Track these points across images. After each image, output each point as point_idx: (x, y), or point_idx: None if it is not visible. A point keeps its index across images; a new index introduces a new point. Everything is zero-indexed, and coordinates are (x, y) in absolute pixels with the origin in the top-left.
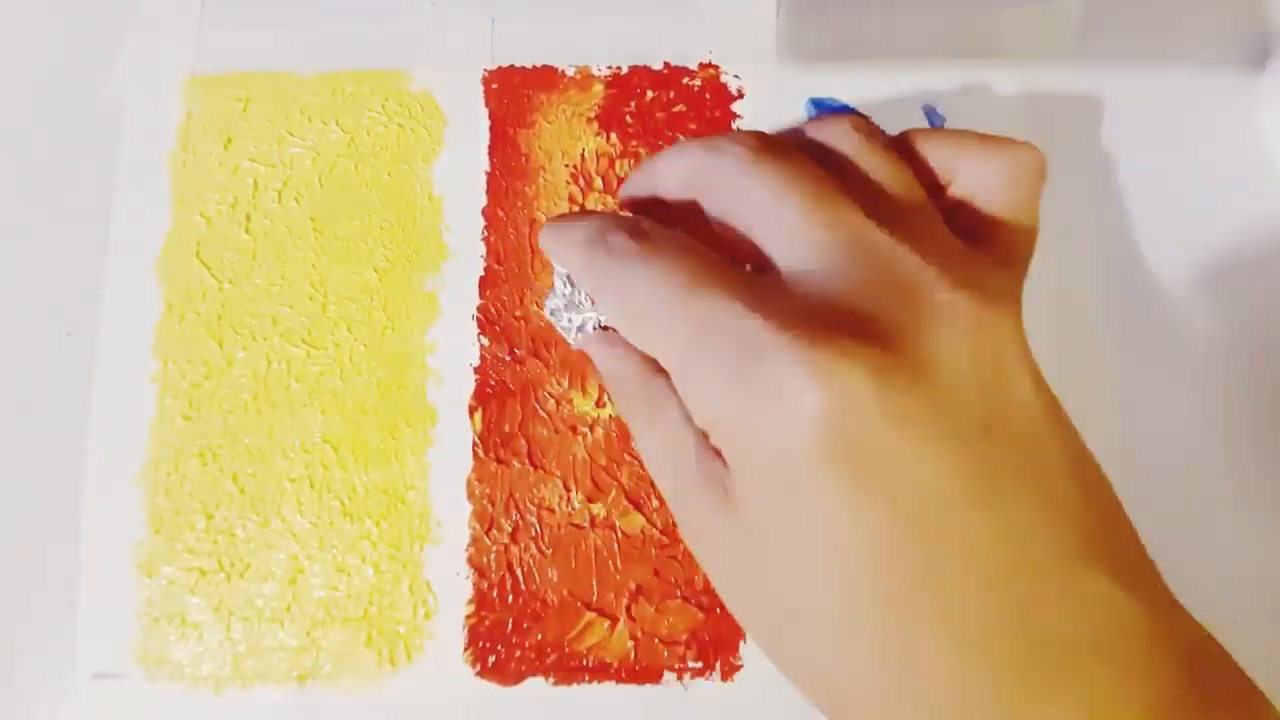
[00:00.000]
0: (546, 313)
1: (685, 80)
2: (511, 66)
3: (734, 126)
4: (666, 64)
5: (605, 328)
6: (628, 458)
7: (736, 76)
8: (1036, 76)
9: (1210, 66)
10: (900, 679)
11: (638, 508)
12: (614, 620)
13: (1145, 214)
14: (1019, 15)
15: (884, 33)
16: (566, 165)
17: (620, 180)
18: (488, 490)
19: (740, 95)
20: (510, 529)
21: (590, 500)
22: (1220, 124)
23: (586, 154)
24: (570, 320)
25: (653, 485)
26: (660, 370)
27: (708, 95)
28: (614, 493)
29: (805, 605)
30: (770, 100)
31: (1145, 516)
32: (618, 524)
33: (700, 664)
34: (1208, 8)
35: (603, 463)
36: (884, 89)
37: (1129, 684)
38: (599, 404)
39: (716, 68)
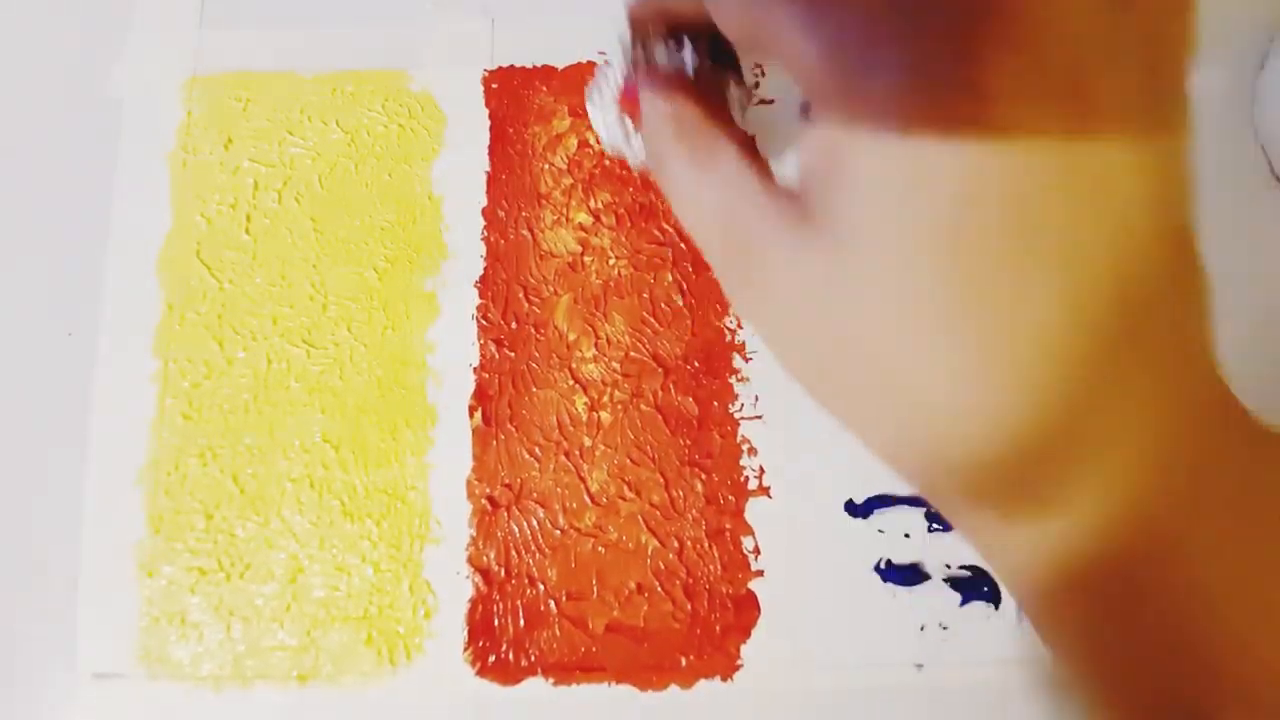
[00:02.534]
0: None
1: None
2: (511, 66)
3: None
4: None
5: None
6: (628, 458)
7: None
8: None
9: (1209, 66)
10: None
11: (638, 508)
12: (614, 620)
13: None
14: None
15: None
16: (567, 165)
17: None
18: (488, 490)
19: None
20: (510, 529)
21: (591, 500)
22: (1220, 124)
23: (587, 153)
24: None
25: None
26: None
27: None
28: (614, 493)
29: (904, 322)
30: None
31: None
32: (618, 524)
33: (700, 663)
34: (1207, 7)
35: (603, 463)
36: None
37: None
38: (599, 405)
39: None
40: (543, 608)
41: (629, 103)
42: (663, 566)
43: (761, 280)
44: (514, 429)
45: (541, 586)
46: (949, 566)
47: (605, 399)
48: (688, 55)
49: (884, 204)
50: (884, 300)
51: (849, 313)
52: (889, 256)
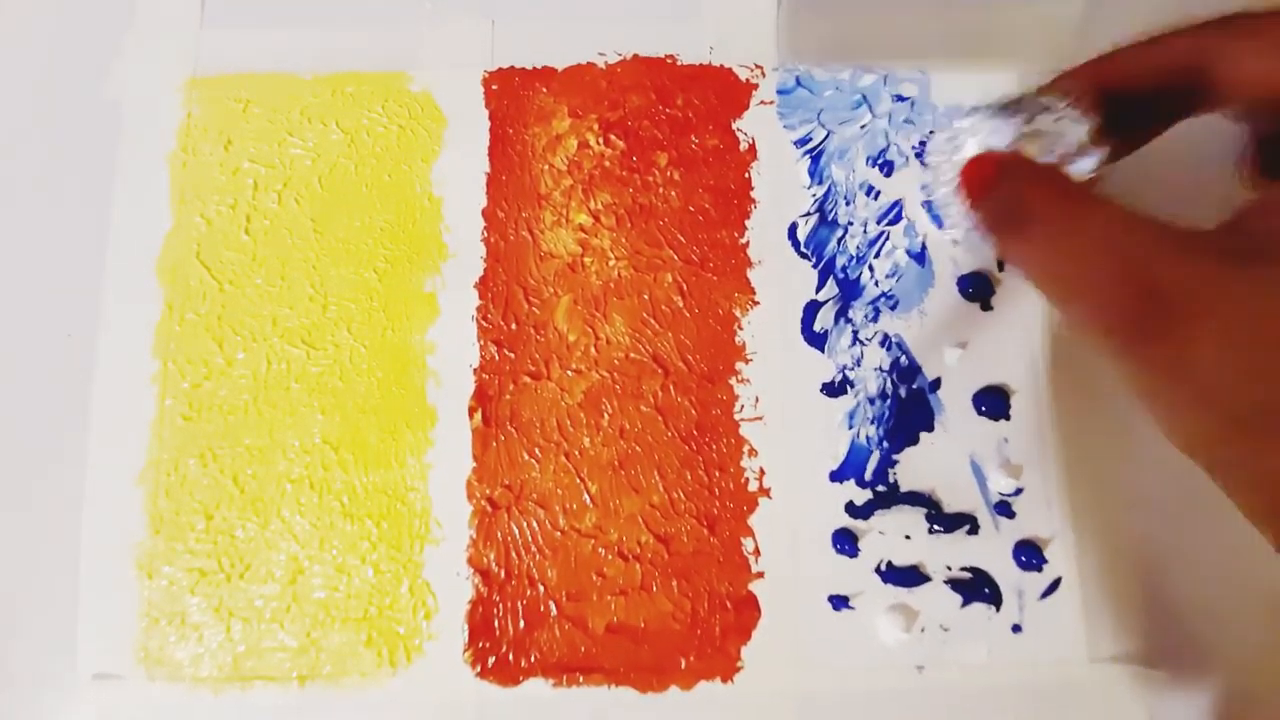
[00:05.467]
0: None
1: (686, 80)
2: (511, 67)
3: (734, 127)
4: (667, 63)
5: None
6: (628, 458)
7: (737, 75)
8: (1036, 76)
9: None
10: None
11: (638, 508)
12: (614, 621)
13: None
14: (1019, 15)
15: (883, 32)
16: (567, 166)
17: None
18: (488, 490)
19: (741, 95)
20: (510, 529)
21: (591, 501)
22: (1219, 123)
23: (587, 154)
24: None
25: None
26: None
27: (710, 95)
28: (614, 494)
29: None
30: (772, 102)
31: (1146, 516)
32: (618, 525)
33: (700, 664)
34: (1206, 7)
35: (603, 464)
36: (883, 89)
37: None
38: (599, 406)
39: (717, 67)
40: (543, 609)
41: (976, 176)
42: (663, 567)
43: (1186, 323)
44: (514, 430)
45: (542, 587)
46: (949, 568)
47: (605, 400)
48: (1074, 124)
49: None
50: None
51: None
52: None
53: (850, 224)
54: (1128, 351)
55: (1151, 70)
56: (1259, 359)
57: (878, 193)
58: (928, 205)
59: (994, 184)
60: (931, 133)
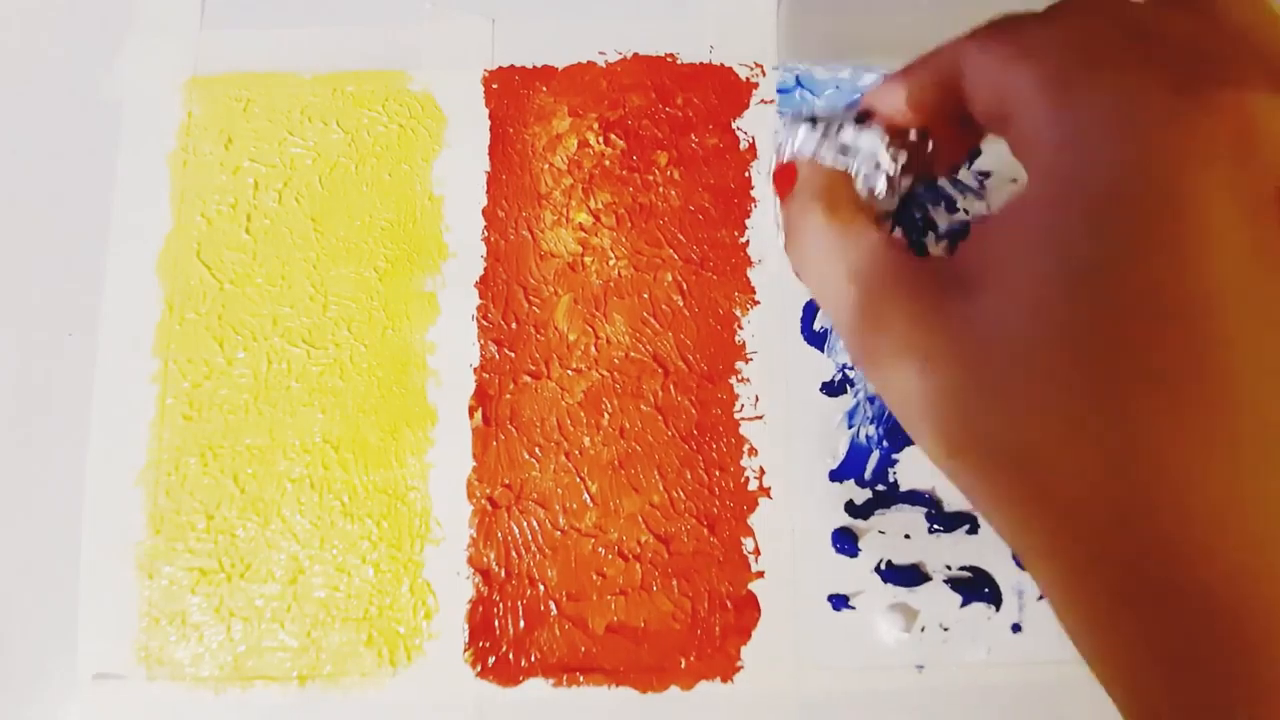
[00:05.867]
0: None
1: (686, 79)
2: (511, 66)
3: (734, 126)
4: (667, 62)
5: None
6: (628, 458)
7: (737, 74)
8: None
9: None
10: None
11: (638, 508)
12: (614, 621)
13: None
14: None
15: (883, 32)
16: (567, 165)
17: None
18: (488, 490)
19: (741, 94)
20: (510, 529)
21: (591, 501)
22: None
23: (587, 153)
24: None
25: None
26: None
27: (710, 94)
28: (614, 493)
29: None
30: (773, 101)
31: None
32: (618, 524)
33: (700, 664)
34: None
35: (603, 463)
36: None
37: None
38: (599, 406)
39: (718, 66)
40: (543, 608)
41: (783, 178)
42: (663, 567)
43: (896, 329)
44: (514, 429)
45: (542, 587)
46: (949, 568)
47: (605, 399)
48: (871, 139)
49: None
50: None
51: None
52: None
53: None
54: (857, 360)
55: (926, 92)
56: (943, 392)
57: None
58: None
59: (791, 188)
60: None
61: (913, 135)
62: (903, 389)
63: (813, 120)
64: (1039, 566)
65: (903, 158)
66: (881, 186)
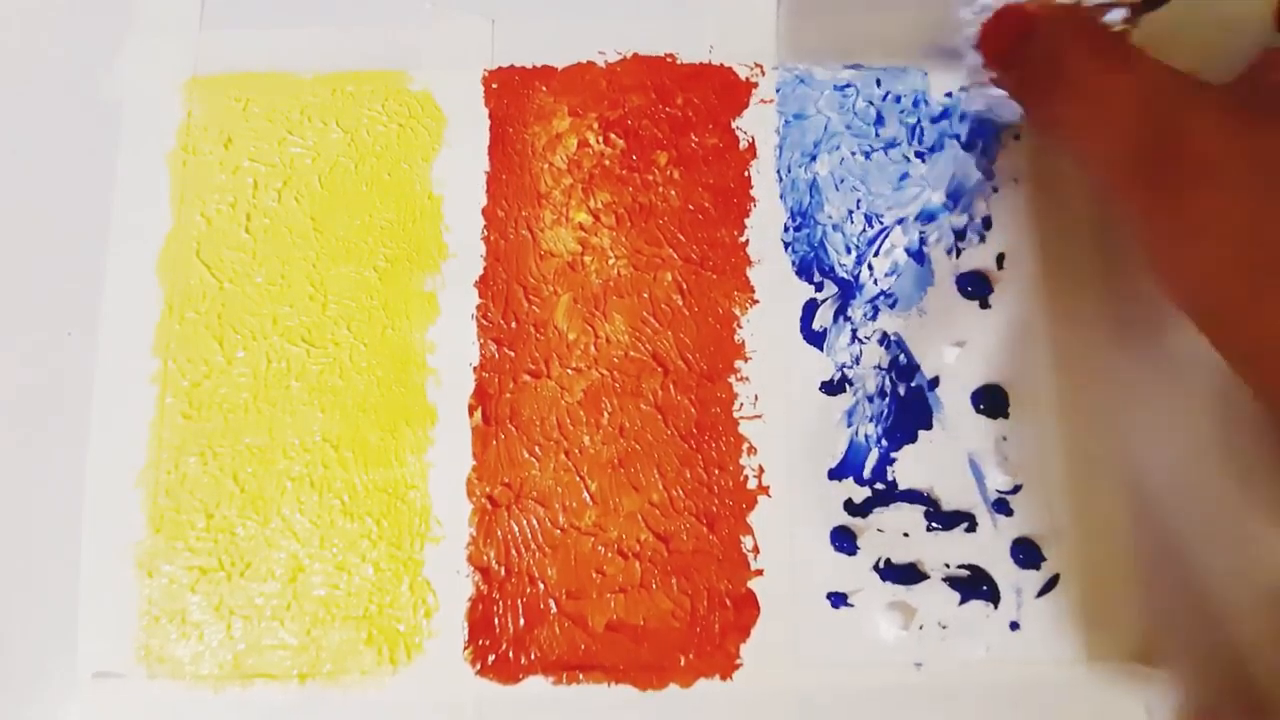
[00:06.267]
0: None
1: (685, 78)
2: (511, 66)
3: (734, 126)
4: (667, 62)
5: None
6: (627, 456)
7: (737, 74)
8: None
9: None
10: None
11: (637, 506)
12: (614, 619)
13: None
14: None
15: (883, 32)
16: (566, 165)
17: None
18: (488, 489)
19: (741, 93)
20: (510, 528)
21: (591, 499)
22: None
23: (587, 152)
24: None
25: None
26: None
27: (710, 93)
28: (614, 492)
29: None
30: (772, 100)
31: (1145, 514)
32: (618, 523)
33: (700, 662)
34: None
35: (603, 462)
36: (883, 88)
37: None
38: (598, 405)
39: (718, 66)
40: (542, 606)
41: (1009, 22)
42: (662, 565)
43: (1198, 168)
44: (514, 428)
45: (541, 585)
46: (948, 566)
47: (605, 398)
48: None
49: None
50: None
51: None
52: None
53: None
54: (1139, 194)
55: None
56: (1263, 206)
57: None
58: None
59: (1025, 40)
60: (920, 155)
61: None
62: (1205, 211)
63: None
64: None
65: None
66: (1118, 15)
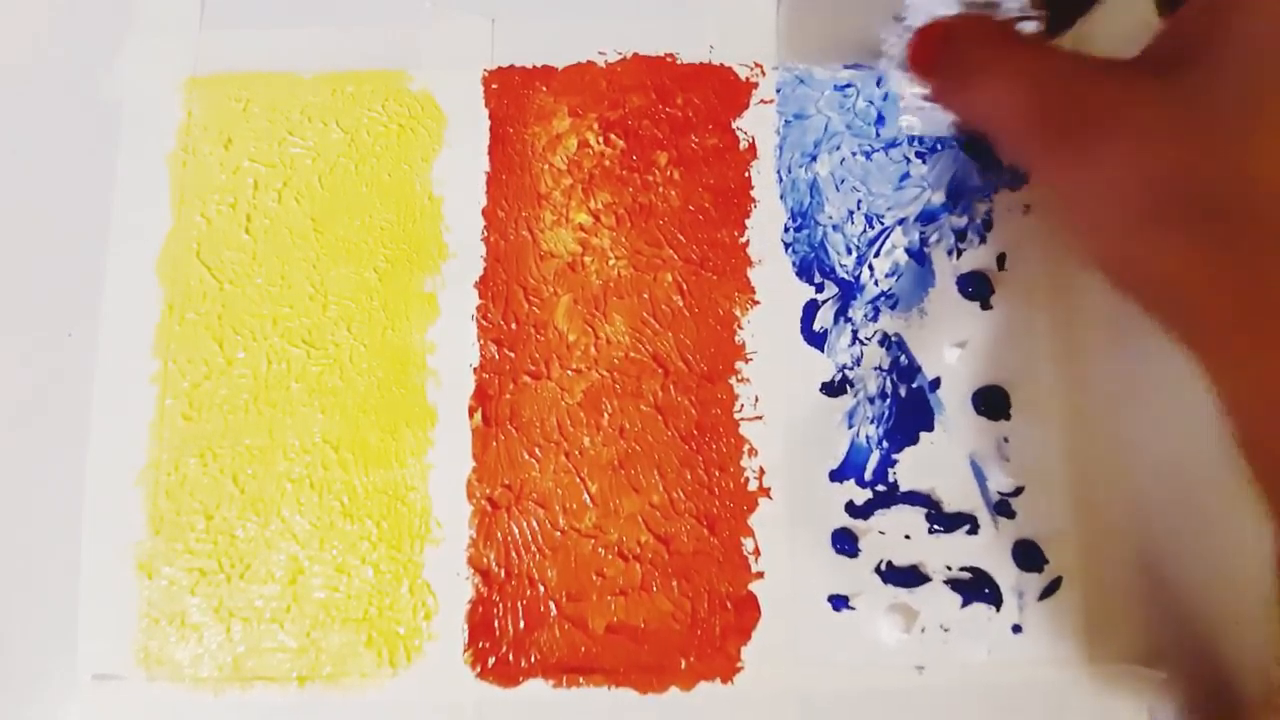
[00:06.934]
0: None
1: (686, 78)
2: (511, 66)
3: (734, 126)
4: (667, 62)
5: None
6: (627, 458)
7: (737, 74)
8: None
9: None
10: None
11: (638, 508)
12: (614, 621)
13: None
14: None
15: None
16: (567, 165)
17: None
18: (488, 490)
19: (741, 93)
20: (510, 529)
21: (591, 501)
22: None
23: (587, 153)
24: None
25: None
26: None
27: (710, 93)
28: (614, 493)
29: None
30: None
31: (1146, 516)
32: (618, 525)
33: (700, 664)
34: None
35: (603, 464)
36: (883, 88)
37: None
38: (598, 406)
39: (718, 66)
40: (543, 609)
41: (929, 37)
42: (662, 567)
43: (1101, 124)
44: (514, 429)
45: (542, 587)
46: (949, 568)
47: (605, 400)
48: None
49: None
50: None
51: (1232, 137)
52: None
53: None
54: (1050, 157)
55: None
56: (1166, 154)
57: None
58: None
59: (943, 46)
60: (921, 155)
61: None
62: (1116, 166)
63: None
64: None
65: (1050, 9)
66: (1031, 29)
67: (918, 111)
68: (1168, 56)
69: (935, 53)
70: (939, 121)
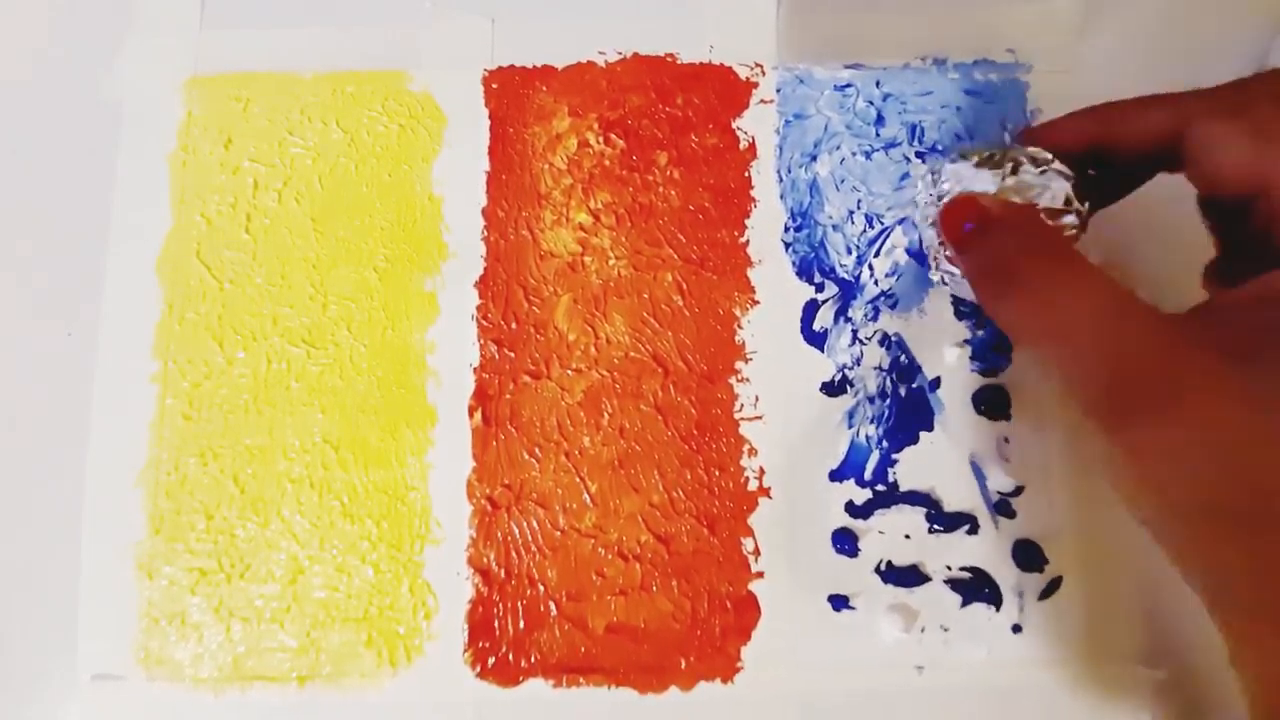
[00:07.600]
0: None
1: (686, 78)
2: (511, 66)
3: (734, 126)
4: (667, 62)
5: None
6: (627, 458)
7: (737, 74)
8: (1037, 76)
9: (1210, 65)
10: None
11: (637, 508)
12: (614, 621)
13: (1146, 210)
14: (1019, 13)
15: (883, 32)
16: (567, 165)
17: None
18: (488, 490)
19: (741, 93)
20: (510, 529)
21: (591, 501)
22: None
23: (587, 153)
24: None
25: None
26: None
27: (710, 93)
28: (614, 493)
29: None
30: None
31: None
32: (618, 525)
33: (700, 664)
34: (1207, 6)
35: (603, 463)
36: (883, 88)
37: None
38: (598, 406)
39: (717, 66)
40: (543, 609)
41: (960, 213)
42: (662, 567)
43: (1167, 412)
44: (514, 429)
45: (542, 587)
46: (949, 568)
47: (605, 399)
48: (1059, 179)
49: None
50: None
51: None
52: None
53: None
54: (1104, 430)
55: (1133, 134)
56: (1226, 459)
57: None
58: (916, 245)
59: (982, 232)
60: (921, 155)
61: (1091, 171)
62: (1171, 442)
63: (988, 158)
64: None
65: (1088, 200)
66: (1071, 221)
67: (948, 276)
68: (1240, 340)
69: (972, 237)
70: (964, 288)
